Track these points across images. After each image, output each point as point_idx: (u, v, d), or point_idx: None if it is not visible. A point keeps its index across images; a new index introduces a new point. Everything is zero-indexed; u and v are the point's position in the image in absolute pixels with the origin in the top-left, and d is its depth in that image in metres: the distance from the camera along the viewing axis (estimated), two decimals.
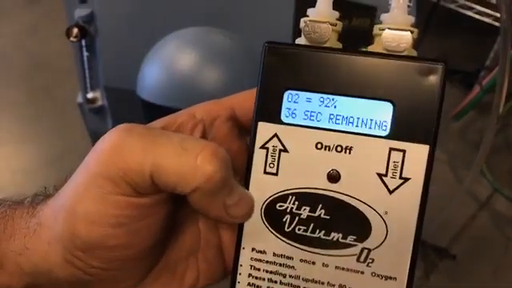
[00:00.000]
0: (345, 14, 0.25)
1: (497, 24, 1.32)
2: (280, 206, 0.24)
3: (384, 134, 0.23)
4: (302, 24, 0.25)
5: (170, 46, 0.71)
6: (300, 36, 0.25)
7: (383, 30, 0.23)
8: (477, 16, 1.37)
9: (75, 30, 0.69)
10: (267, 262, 0.25)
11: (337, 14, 0.25)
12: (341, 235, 0.24)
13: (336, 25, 0.24)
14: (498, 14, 1.29)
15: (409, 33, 0.23)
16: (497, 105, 0.77)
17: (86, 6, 0.71)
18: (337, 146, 0.24)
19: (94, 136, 0.82)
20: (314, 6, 0.25)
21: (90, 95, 0.74)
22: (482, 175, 1.14)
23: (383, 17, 0.24)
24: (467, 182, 0.84)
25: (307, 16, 0.25)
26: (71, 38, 0.69)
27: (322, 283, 0.24)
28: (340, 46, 0.25)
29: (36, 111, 1.37)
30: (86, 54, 0.73)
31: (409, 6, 0.24)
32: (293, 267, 0.25)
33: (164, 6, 0.70)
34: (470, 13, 1.37)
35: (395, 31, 0.23)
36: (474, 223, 1.17)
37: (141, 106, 0.72)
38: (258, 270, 0.25)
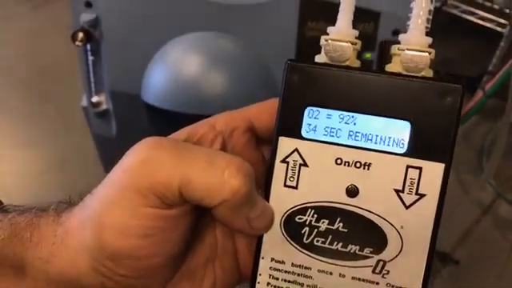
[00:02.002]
0: None
1: (499, 29, 1.33)
2: (299, 219, 0.25)
3: (401, 151, 0.24)
4: (322, 41, 0.25)
5: (174, 50, 0.71)
6: (315, 51, 0.25)
7: (402, 50, 0.24)
8: (480, 21, 1.37)
9: (80, 35, 0.70)
10: (286, 271, 0.26)
11: (356, 32, 0.25)
12: (358, 247, 0.25)
13: (356, 44, 0.25)
14: (501, 20, 1.31)
15: (427, 54, 0.24)
16: (509, 112, 0.75)
17: (91, 10, 0.72)
18: (356, 162, 0.24)
19: (98, 140, 0.83)
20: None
21: (94, 99, 0.75)
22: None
23: (402, 37, 0.25)
24: (474, 190, 0.84)
25: (327, 34, 0.25)
26: (77, 42, 0.70)
27: None
28: (359, 63, 0.26)
29: (39, 115, 1.36)
30: (90, 58, 0.73)
31: (427, 28, 0.24)
32: (310, 277, 0.25)
33: (169, 11, 0.71)
34: (472, 18, 1.38)
35: (414, 52, 0.24)
36: (478, 228, 1.16)
37: (145, 110, 0.73)
38: (277, 279, 0.26)
